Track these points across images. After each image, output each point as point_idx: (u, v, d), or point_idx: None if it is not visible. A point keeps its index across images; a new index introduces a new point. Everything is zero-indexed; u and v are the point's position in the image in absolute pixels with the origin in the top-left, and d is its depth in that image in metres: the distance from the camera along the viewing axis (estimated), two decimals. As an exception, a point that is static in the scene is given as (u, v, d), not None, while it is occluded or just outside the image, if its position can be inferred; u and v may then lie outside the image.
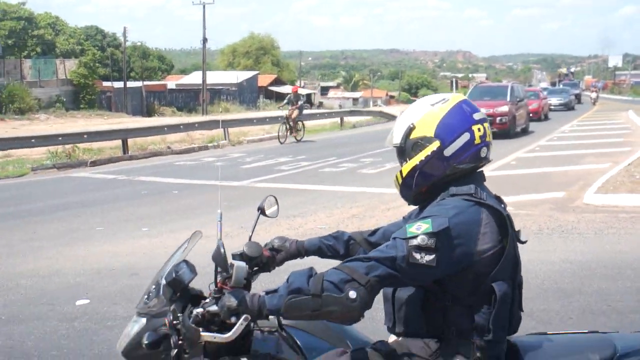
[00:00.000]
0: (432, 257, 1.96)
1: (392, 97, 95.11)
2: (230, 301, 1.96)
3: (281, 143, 20.80)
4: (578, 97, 49.47)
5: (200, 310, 2.05)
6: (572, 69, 72.27)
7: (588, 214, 8.93)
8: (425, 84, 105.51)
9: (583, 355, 2.15)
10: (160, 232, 8.74)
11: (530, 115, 25.08)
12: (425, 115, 2.22)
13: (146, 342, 2.11)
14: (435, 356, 2.12)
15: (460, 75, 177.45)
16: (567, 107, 41.09)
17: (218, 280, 2.17)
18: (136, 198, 11.55)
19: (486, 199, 2.12)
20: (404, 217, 2.46)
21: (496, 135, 18.34)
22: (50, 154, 17.08)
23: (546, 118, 30.79)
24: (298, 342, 2.28)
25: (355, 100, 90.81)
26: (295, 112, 21.32)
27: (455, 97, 2.26)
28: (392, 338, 2.40)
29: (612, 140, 18.83)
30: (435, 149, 2.17)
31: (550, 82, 72.21)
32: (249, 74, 66.96)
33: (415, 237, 1.97)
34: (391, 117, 34.39)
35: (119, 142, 18.36)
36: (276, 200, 2.57)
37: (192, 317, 2.04)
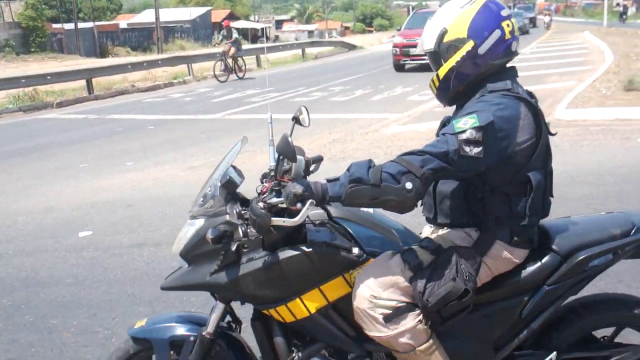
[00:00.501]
0: (479, 149, 2.11)
1: (346, 28, 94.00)
2: (296, 188, 2.09)
3: (221, 82, 19.55)
4: (533, 21, 48.13)
5: (272, 199, 2.19)
6: None
7: (561, 128, 9.21)
8: (380, 13, 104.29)
9: (606, 231, 2.38)
10: (145, 165, 8.79)
11: None
12: (456, 18, 2.33)
13: (211, 236, 2.24)
14: (477, 244, 2.31)
15: (414, 3, 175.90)
16: (522, 31, 39.79)
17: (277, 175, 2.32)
18: (113, 135, 11.48)
19: (522, 94, 2.28)
20: (441, 122, 2.57)
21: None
22: (13, 98, 16.67)
23: None
24: (350, 230, 2.46)
25: (310, 32, 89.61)
26: (233, 49, 19.98)
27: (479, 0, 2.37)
28: (427, 229, 2.60)
29: (573, 60, 19.16)
30: (470, 48, 2.29)
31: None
32: (202, 10, 65.38)
33: (463, 131, 2.11)
34: (352, 47, 34.30)
35: (81, 83, 18.00)
36: (307, 110, 2.69)
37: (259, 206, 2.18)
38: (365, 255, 2.35)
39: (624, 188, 6.12)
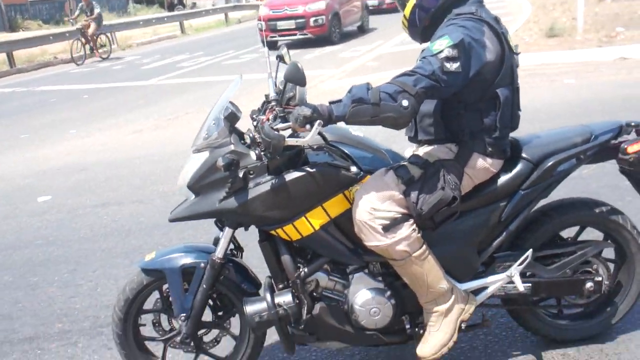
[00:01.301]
0: (457, 64, 2.36)
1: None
2: (305, 111, 2.27)
3: (78, 65, 16.98)
4: None
5: (279, 124, 2.39)
6: None
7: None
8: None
9: (570, 140, 2.71)
10: (89, 132, 8.74)
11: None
12: None
13: (222, 163, 2.42)
14: (458, 156, 2.59)
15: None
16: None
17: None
18: (47, 106, 11.23)
19: (485, 17, 2.54)
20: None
21: (315, 42, 15.54)
22: None
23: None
24: (346, 151, 2.69)
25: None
26: (93, 26, 17.34)
27: None
28: (410, 149, 2.87)
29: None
30: None
31: None
32: (115, -23, 63.15)
33: (441, 51, 2.36)
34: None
35: (1, 57, 17.34)
36: (287, 49, 2.87)
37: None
38: (362, 172, 2.59)
39: (556, 123, 6.57)
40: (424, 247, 2.54)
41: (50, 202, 5.88)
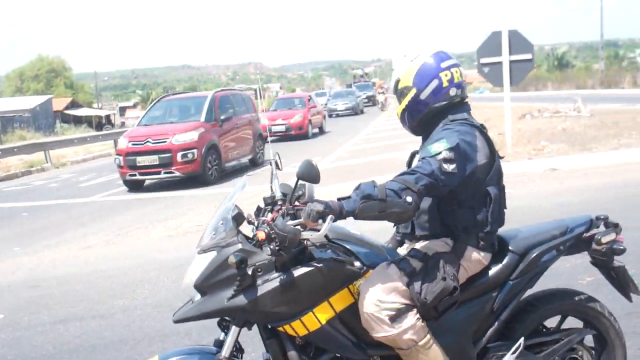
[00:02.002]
0: (454, 165, 2.63)
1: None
2: (317, 206, 2.45)
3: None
4: (372, 99, 47.46)
5: (289, 221, 2.53)
6: (366, 70, 70.63)
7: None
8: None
9: (548, 233, 2.98)
10: (35, 249, 8.54)
11: (293, 132, 22.86)
12: (405, 70, 2.92)
13: (235, 260, 2.51)
14: (454, 249, 2.80)
15: (255, 86, 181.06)
16: (354, 111, 37.25)
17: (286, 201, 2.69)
18: (-17, 224, 10.91)
19: (475, 124, 2.85)
20: (410, 154, 3.13)
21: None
22: None
23: (322, 131, 25.91)
24: (349, 248, 2.84)
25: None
26: None
27: (427, 52, 2.94)
28: (405, 246, 3.05)
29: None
30: (413, 95, 2.88)
31: (346, 85, 73.52)
32: (42, 98, 62.99)
33: (439, 153, 2.64)
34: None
35: None
36: (279, 156, 3.08)
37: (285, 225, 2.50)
38: (364, 267, 2.75)
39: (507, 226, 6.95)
40: (429, 335, 2.68)
41: (3, 321, 5.67)
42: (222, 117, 14.13)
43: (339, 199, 2.53)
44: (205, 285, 2.69)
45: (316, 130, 25.13)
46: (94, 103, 79.57)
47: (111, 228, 9.48)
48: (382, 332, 2.62)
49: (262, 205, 2.92)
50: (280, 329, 2.68)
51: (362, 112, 38.30)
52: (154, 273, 6.67)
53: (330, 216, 2.46)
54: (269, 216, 2.71)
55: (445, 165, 2.62)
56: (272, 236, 2.55)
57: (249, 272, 2.61)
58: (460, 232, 2.80)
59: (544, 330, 3.08)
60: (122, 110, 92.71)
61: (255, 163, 15.60)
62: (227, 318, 2.80)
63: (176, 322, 2.77)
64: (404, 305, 2.64)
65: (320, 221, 2.47)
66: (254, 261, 2.63)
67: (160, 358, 2.81)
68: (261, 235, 2.59)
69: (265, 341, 2.76)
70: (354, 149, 17.45)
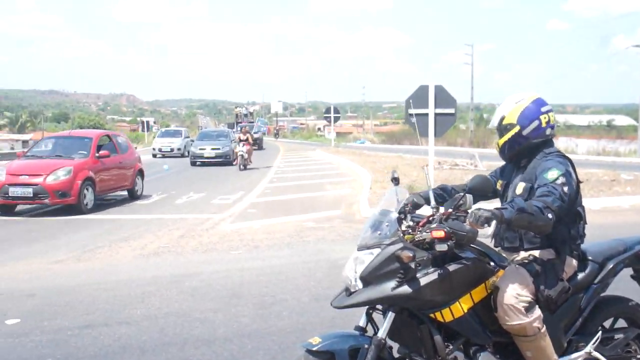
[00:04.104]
0: (566, 187, 3.38)
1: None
2: (484, 213, 3.10)
3: None
4: (259, 142, 41.96)
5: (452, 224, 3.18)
6: (252, 109, 65.54)
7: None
8: (98, 126, 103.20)
9: (615, 249, 3.80)
10: (2, 260, 8.42)
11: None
12: (511, 110, 3.68)
13: (410, 254, 3.13)
14: (557, 258, 3.53)
15: (128, 118, 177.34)
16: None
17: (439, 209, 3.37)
18: None
19: (567, 156, 3.63)
20: (490, 175, 3.83)
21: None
22: None
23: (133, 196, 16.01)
24: (483, 250, 3.49)
25: (25, 142, 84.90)
26: None
27: (530, 97, 3.70)
28: (515, 255, 3.71)
29: (330, 173, 21.92)
30: (517, 131, 3.64)
31: (227, 125, 71.53)
32: None
33: (557, 179, 3.39)
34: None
35: None
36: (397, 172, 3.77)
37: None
38: (497, 267, 3.44)
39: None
40: (544, 325, 3.38)
41: (23, 325, 5.69)
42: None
43: (496, 209, 3.21)
44: (371, 277, 3.23)
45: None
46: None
47: (74, 245, 9.48)
48: (517, 320, 3.28)
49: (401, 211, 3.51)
50: (432, 315, 3.26)
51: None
52: (152, 287, 6.89)
53: (494, 221, 3.13)
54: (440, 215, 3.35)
55: (564, 189, 3.36)
56: (451, 235, 3.16)
57: (412, 265, 3.21)
58: (559, 244, 3.55)
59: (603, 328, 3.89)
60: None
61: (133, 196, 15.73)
62: (378, 307, 3.37)
63: (338, 308, 3.31)
64: (533, 299, 3.34)
65: (486, 225, 3.14)
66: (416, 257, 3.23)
67: (323, 338, 3.27)
68: (439, 233, 3.15)
69: (418, 326, 3.32)
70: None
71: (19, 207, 13.51)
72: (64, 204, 13.07)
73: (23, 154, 15.13)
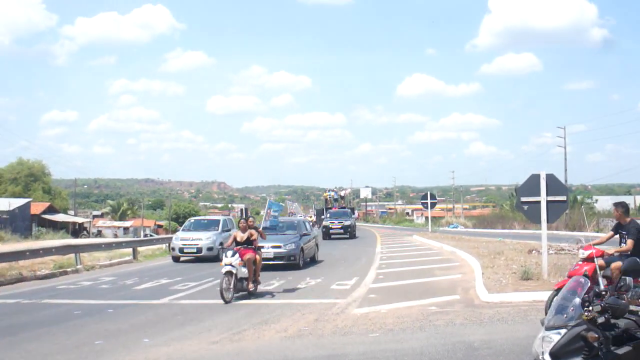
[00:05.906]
0: None
1: (160, 226, 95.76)
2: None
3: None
4: (351, 230, 41.32)
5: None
6: (342, 193, 61.25)
7: (496, 309, 11.25)
8: (193, 213, 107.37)
9: None
10: (164, 341, 9.29)
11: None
12: None
13: (596, 335, 3.74)
14: None
15: (219, 205, 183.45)
16: (349, 231, 39.22)
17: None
18: (74, 319, 11.36)
19: None
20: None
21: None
22: None
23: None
24: None
25: (126, 229, 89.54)
26: None
27: None
28: None
29: (436, 258, 22.35)
30: None
31: (316, 211, 71.10)
32: (21, 201, 63.18)
33: None
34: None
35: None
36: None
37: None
38: None
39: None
40: None
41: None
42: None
43: None
44: (560, 353, 3.84)
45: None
46: (69, 209, 79.55)
47: (220, 327, 10.29)
48: None
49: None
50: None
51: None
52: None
53: None
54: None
55: None
56: (606, 308, 3.78)
57: (595, 344, 3.79)
58: None
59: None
60: (94, 218, 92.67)
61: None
62: None
63: None
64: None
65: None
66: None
67: None
68: (597, 308, 3.81)
69: None
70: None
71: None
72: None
73: None
